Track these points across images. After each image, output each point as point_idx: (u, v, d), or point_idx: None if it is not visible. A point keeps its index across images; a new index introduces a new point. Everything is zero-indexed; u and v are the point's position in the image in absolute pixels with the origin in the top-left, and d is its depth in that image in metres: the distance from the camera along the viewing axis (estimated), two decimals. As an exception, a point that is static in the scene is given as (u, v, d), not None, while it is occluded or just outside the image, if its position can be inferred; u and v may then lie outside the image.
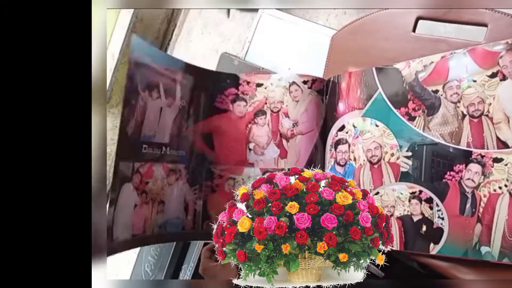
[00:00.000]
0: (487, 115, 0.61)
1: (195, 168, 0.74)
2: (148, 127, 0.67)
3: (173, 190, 0.72)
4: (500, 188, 0.58)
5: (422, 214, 0.66)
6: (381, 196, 0.70)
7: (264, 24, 1.00)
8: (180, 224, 0.73)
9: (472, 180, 0.61)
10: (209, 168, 0.76)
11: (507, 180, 0.58)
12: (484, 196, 0.60)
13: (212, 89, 0.78)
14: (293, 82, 0.79)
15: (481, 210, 0.60)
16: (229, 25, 1.14)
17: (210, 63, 1.03)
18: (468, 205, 0.61)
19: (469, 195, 0.61)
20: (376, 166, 0.72)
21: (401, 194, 0.68)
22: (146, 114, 0.67)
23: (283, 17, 0.96)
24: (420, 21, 0.78)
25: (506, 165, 0.58)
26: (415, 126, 0.68)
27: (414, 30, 0.78)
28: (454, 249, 0.63)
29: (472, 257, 0.61)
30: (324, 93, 0.80)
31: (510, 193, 0.57)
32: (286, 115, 0.79)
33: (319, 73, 0.84)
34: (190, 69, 0.75)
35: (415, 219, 0.67)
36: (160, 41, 1.44)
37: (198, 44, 1.24)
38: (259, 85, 0.80)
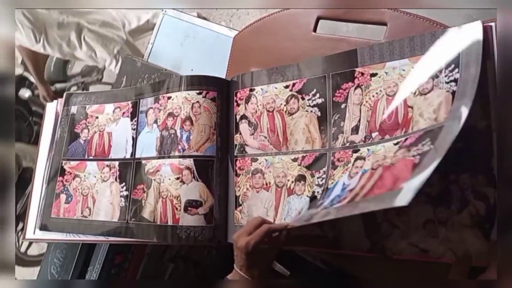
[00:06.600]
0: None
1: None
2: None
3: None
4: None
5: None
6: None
7: (166, 26, 0.96)
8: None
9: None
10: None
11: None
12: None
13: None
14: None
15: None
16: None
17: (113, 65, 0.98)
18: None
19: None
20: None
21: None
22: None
23: (185, 18, 0.93)
24: (321, 21, 0.78)
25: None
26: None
27: (315, 30, 0.78)
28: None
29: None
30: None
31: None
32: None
33: (221, 73, 0.82)
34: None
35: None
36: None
37: (102, 47, 1.18)
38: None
